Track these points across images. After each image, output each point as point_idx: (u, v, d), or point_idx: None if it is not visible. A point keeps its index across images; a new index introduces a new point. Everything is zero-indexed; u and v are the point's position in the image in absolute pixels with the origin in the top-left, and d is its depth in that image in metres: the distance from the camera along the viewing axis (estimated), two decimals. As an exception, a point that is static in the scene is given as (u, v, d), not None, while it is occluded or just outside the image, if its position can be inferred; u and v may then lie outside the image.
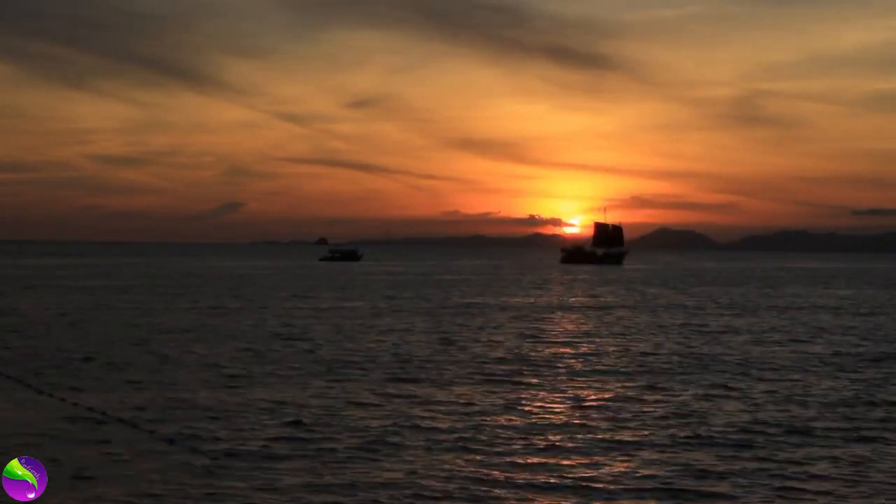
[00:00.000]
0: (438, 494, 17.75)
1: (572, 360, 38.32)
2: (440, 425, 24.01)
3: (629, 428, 24.10)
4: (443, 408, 26.57)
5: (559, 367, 36.11)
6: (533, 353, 40.58)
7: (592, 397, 29.08)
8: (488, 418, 25.16)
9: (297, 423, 23.97)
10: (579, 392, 30.11)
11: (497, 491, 18.00)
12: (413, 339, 45.60)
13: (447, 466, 19.75)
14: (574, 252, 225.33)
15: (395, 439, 22.31)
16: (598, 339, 47.29)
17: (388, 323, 55.17)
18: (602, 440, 22.61)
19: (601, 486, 18.52)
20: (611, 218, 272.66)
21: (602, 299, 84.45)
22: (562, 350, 42.31)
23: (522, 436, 22.97)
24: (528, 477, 19.05)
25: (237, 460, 19.99)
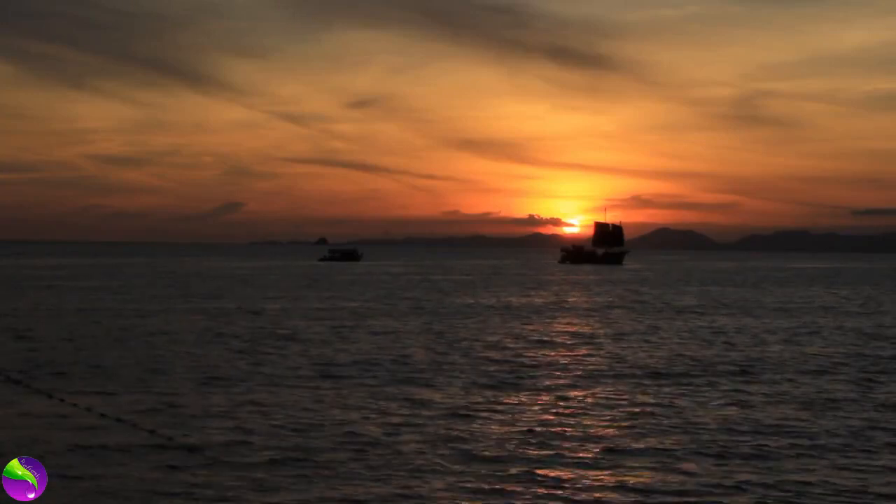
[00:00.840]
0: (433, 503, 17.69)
1: (571, 363, 38.23)
2: (436, 430, 23.92)
3: (626, 433, 24.01)
4: (439, 412, 26.48)
5: (558, 370, 36.02)
6: (532, 355, 40.48)
7: (591, 401, 28.99)
8: (486, 423, 25.08)
9: (291, 426, 23.89)
10: (578, 396, 30.03)
11: (494, 500, 17.94)
12: (411, 341, 45.51)
13: (442, 474, 19.67)
14: (574, 252, 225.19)
15: (391, 443, 22.22)
16: (596, 341, 47.19)
17: (386, 324, 55.08)
18: (599, 446, 22.51)
19: (598, 494, 18.45)
20: (611, 218, 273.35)
21: (601, 300, 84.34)
22: (561, 352, 42.22)
23: (520, 442, 22.87)
24: (526, 485, 18.98)
25: (230, 462, 19.92)
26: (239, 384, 30.92)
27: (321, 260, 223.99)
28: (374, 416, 25.56)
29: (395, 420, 24.95)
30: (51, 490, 17.55)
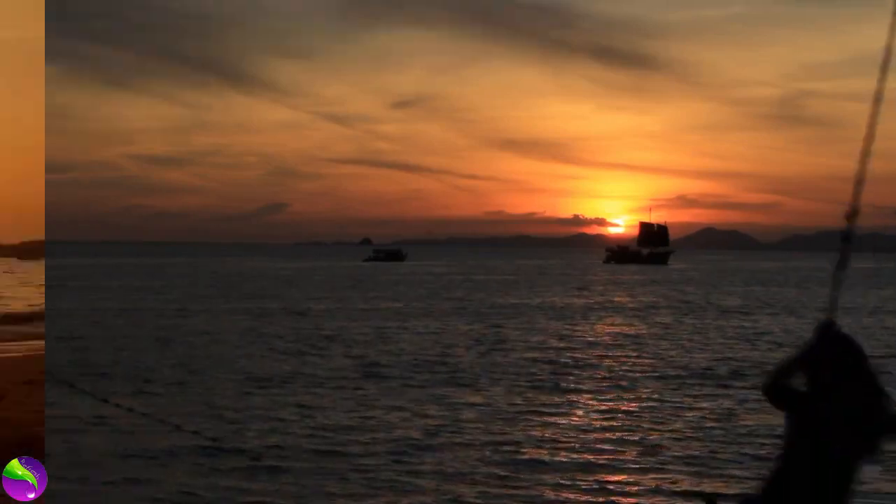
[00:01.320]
0: None
1: (615, 364, 37.97)
2: (479, 433, 23.83)
3: (669, 435, 23.82)
4: (482, 414, 26.40)
5: (602, 371, 35.78)
6: (576, 356, 40.28)
7: (635, 404, 28.79)
8: (528, 425, 24.98)
9: (334, 429, 23.91)
10: (622, 397, 29.84)
11: None
12: (453, 342, 45.45)
13: (485, 478, 19.60)
14: (619, 252, 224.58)
15: (432, 446, 22.16)
16: (641, 342, 46.92)
17: (428, 324, 55.07)
18: (640, 448, 22.37)
19: (639, 499, 18.32)
20: (656, 217, 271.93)
21: (646, 300, 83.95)
22: (605, 353, 41.97)
23: (562, 445, 22.77)
24: (567, 489, 18.89)
25: (273, 465, 19.96)
26: (282, 385, 31.00)
27: (366, 260, 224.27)
28: (416, 418, 25.50)
29: (437, 422, 24.88)
30: (93, 490, 17.71)
